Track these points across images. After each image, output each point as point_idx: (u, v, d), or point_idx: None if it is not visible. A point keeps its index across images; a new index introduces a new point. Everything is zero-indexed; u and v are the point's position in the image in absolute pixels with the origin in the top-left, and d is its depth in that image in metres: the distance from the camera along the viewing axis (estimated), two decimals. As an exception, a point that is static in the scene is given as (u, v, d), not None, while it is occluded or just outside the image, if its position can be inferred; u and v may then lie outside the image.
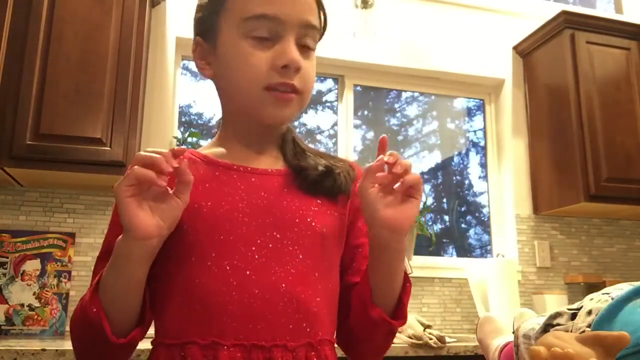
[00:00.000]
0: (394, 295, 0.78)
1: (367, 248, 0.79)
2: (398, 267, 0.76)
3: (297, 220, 0.78)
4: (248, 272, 0.74)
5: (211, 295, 0.72)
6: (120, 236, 0.69)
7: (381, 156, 0.71)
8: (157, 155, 0.66)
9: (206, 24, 0.84)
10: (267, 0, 0.78)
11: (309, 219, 0.79)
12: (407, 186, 0.70)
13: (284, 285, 0.74)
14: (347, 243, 0.85)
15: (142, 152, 0.67)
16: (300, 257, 0.77)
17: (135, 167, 0.65)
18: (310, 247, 0.78)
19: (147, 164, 0.65)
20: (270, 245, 0.76)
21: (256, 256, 0.75)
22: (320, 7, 0.85)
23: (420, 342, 1.89)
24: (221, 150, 0.83)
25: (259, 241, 0.76)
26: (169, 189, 0.69)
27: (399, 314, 0.78)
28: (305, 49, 0.81)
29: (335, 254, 0.82)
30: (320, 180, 0.81)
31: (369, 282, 0.77)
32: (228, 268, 0.74)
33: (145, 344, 0.83)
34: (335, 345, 0.82)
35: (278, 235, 0.77)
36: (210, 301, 0.72)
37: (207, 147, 0.88)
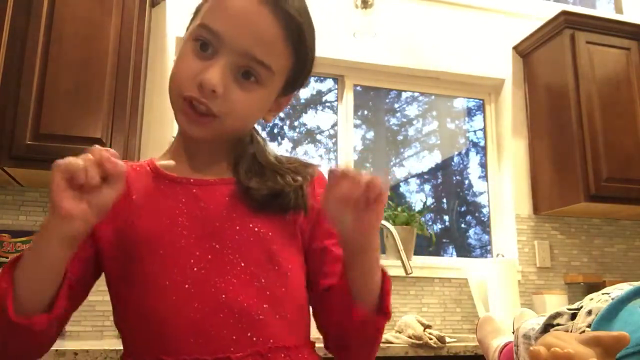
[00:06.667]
0: (375, 293, 0.75)
1: (336, 249, 0.78)
2: (374, 265, 0.73)
3: (237, 228, 0.76)
4: (187, 286, 0.73)
5: (153, 313, 0.73)
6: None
7: (334, 171, 0.66)
8: (84, 162, 0.67)
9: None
10: (221, 15, 0.76)
11: (251, 225, 0.77)
12: (370, 196, 0.65)
13: (224, 296, 0.73)
14: (312, 246, 0.83)
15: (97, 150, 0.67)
16: (242, 265, 0.75)
17: (72, 166, 0.67)
18: (254, 254, 0.76)
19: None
20: (209, 257, 0.74)
21: (195, 269, 0.74)
22: (296, 46, 0.78)
23: (420, 342, 1.89)
24: (169, 163, 0.83)
25: (197, 253, 0.74)
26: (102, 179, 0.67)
27: (382, 309, 0.75)
28: (245, 81, 0.76)
29: (290, 257, 0.80)
30: (267, 201, 0.79)
31: (347, 283, 0.74)
32: (167, 283, 0.73)
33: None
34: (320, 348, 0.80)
35: (217, 246, 0.75)
36: (153, 319, 0.73)
37: (162, 156, 0.86)
